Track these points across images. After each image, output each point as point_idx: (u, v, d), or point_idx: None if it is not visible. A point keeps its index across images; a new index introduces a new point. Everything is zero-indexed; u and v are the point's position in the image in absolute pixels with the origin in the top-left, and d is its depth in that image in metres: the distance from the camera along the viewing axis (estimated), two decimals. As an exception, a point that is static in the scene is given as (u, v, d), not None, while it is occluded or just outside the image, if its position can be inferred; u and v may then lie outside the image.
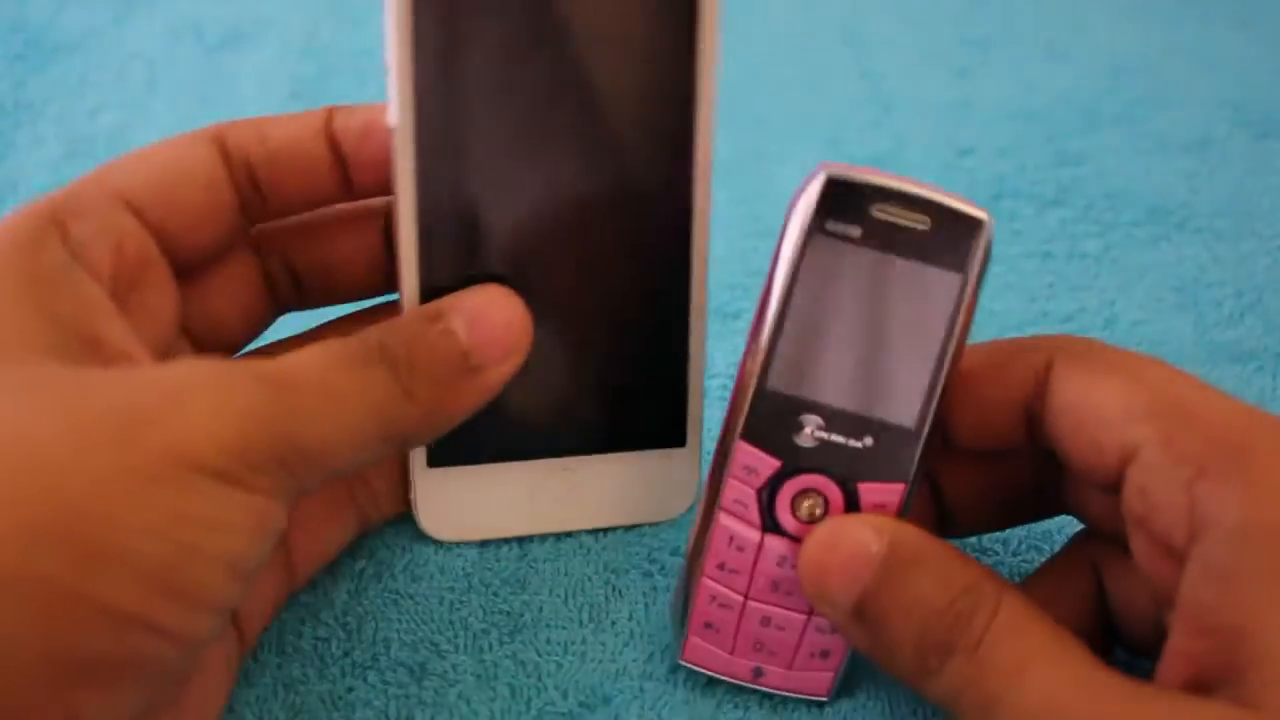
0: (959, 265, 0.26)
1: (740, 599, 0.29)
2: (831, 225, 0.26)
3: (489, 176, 0.29)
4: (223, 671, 0.28)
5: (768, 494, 0.28)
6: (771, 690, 0.30)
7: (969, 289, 0.26)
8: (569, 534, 0.34)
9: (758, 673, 0.30)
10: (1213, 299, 0.44)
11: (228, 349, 0.32)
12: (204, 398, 0.23)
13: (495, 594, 0.33)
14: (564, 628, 0.32)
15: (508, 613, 0.32)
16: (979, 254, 0.26)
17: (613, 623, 0.32)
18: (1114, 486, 0.25)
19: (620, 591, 0.33)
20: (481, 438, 0.32)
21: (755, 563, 0.28)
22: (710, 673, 0.30)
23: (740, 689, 0.31)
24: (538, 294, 0.29)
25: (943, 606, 0.25)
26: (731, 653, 0.30)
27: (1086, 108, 0.54)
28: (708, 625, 0.30)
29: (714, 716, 0.30)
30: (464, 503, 0.33)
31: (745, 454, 0.27)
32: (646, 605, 0.33)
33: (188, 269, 0.30)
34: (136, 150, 0.29)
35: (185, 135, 0.30)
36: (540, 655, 0.31)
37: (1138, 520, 0.25)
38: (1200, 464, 0.23)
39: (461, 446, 0.32)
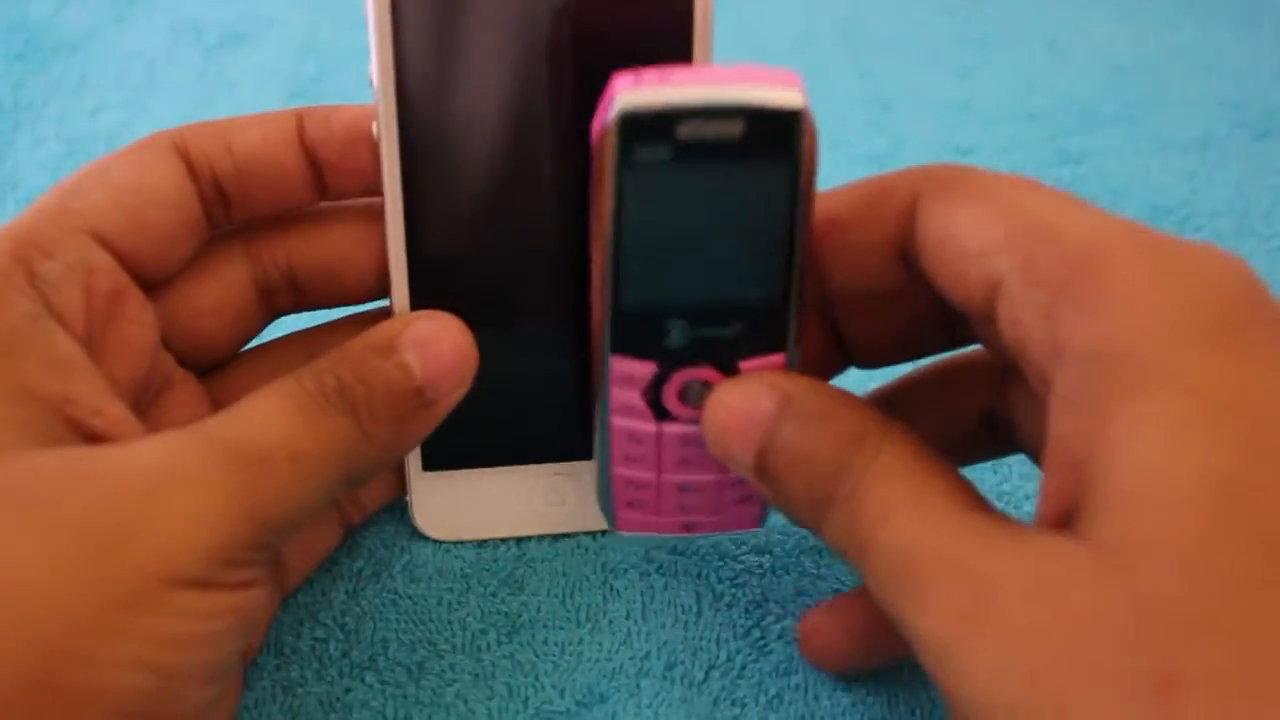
0: (785, 156, 0.25)
1: (654, 477, 0.30)
2: (641, 155, 0.24)
3: (477, 183, 0.29)
4: (229, 696, 0.28)
5: (653, 393, 0.28)
6: (706, 533, 0.31)
7: (801, 174, 0.25)
8: (566, 534, 0.34)
9: (689, 526, 0.31)
10: (1212, 299, 0.44)
11: (215, 357, 0.31)
12: (180, 501, 0.23)
13: (493, 594, 0.33)
14: (561, 628, 0.32)
15: (505, 613, 0.32)
16: (804, 140, 0.25)
17: (610, 622, 0.32)
18: (991, 320, 0.24)
19: (618, 592, 0.33)
20: (477, 443, 0.32)
21: (659, 449, 0.29)
22: (648, 534, 0.31)
23: (736, 688, 0.31)
24: (530, 300, 0.29)
25: (827, 458, 0.25)
26: (659, 514, 0.30)
27: (1086, 108, 0.54)
28: (631, 503, 0.30)
29: (710, 714, 0.30)
30: (459, 505, 0.33)
31: (621, 365, 0.28)
32: (644, 605, 0.33)
33: (163, 282, 0.29)
34: (94, 169, 0.28)
35: (144, 147, 0.29)
36: (538, 655, 0.31)
37: (1016, 353, 0.24)
38: (1057, 286, 0.22)
39: (457, 451, 0.32)
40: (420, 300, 0.29)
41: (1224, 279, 0.22)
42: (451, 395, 0.28)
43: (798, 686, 0.31)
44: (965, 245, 0.24)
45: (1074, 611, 0.20)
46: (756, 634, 0.32)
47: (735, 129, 0.24)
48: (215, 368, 0.32)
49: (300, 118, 0.29)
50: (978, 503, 0.24)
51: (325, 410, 0.26)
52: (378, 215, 0.31)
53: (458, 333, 0.28)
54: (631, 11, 0.27)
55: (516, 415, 0.32)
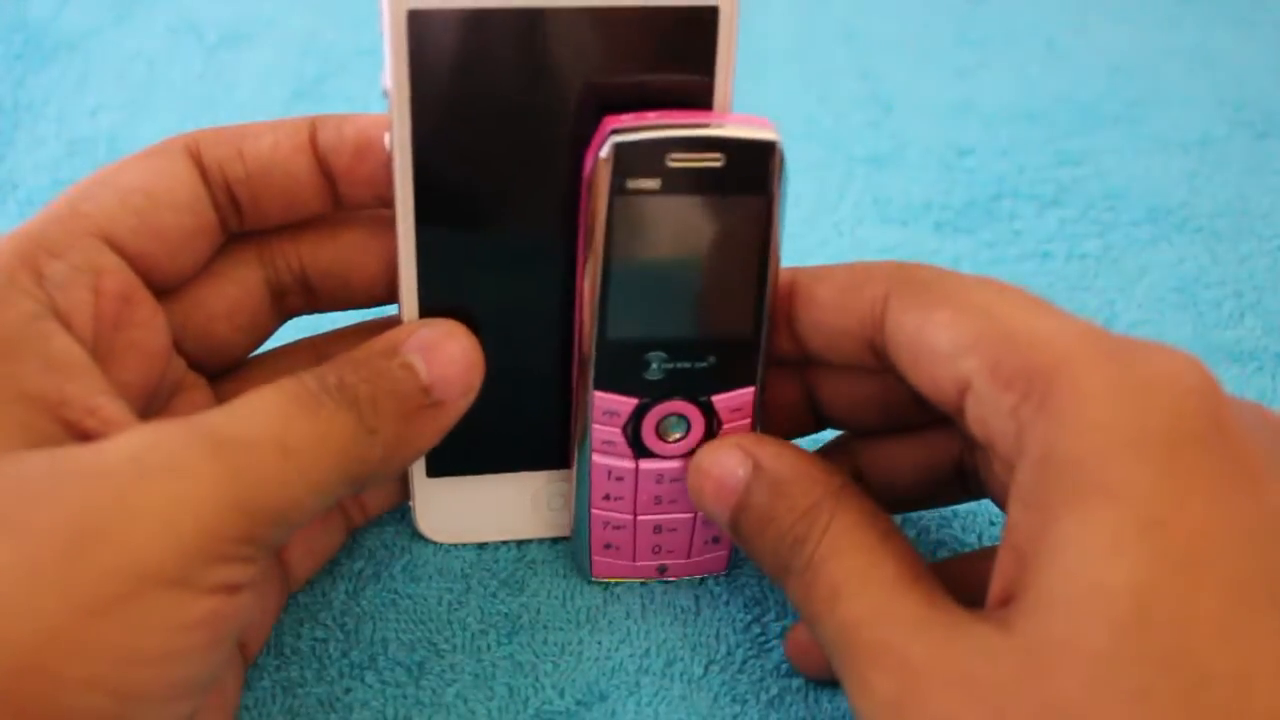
0: (759, 187, 0.27)
1: (630, 518, 0.31)
2: (632, 184, 0.26)
3: (488, 198, 0.28)
4: (229, 695, 0.28)
5: (632, 428, 0.29)
6: (677, 577, 0.33)
7: (774, 206, 0.27)
8: (566, 538, 0.34)
9: (662, 569, 0.33)
10: (1212, 299, 0.44)
11: (227, 361, 0.31)
12: (159, 491, 0.22)
13: (493, 595, 0.33)
14: (561, 629, 0.32)
15: (506, 613, 0.32)
16: (775, 173, 0.27)
17: (609, 622, 0.32)
18: (961, 415, 0.25)
19: (617, 594, 0.33)
20: (479, 450, 0.32)
21: (636, 487, 0.30)
22: (621, 579, 0.33)
23: (737, 684, 0.31)
24: (534, 313, 0.29)
25: (786, 529, 0.27)
26: (634, 560, 0.32)
27: (1086, 108, 0.54)
28: (607, 546, 0.32)
29: (710, 712, 0.30)
30: (461, 510, 0.33)
31: (603, 401, 0.29)
32: (644, 606, 0.33)
33: (175, 287, 0.29)
34: (108, 172, 0.28)
35: (157, 151, 0.28)
36: (538, 656, 0.31)
37: (985, 446, 0.25)
38: (1021, 391, 0.23)
39: (460, 458, 0.32)
40: (428, 310, 0.29)
41: (1177, 391, 0.23)
42: (459, 401, 0.28)
43: (799, 689, 0.31)
44: (935, 347, 0.25)
45: (987, 708, 0.22)
46: (756, 630, 0.32)
47: (718, 158, 0.26)
48: (227, 371, 0.31)
49: (313, 125, 0.29)
50: (921, 576, 0.25)
51: (322, 404, 0.25)
52: (390, 219, 0.31)
53: (464, 337, 0.28)
54: (650, 45, 0.27)
55: (518, 423, 0.32)
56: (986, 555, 0.31)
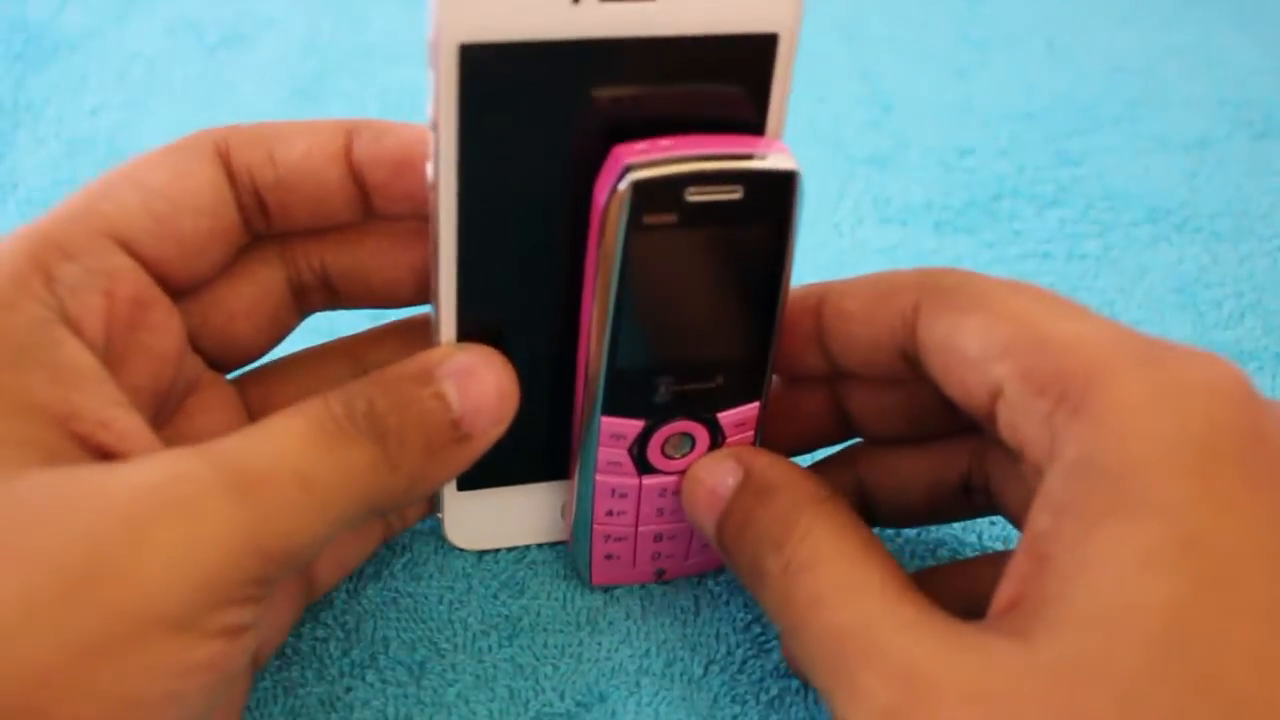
0: (776, 216, 0.26)
1: (631, 530, 0.31)
2: (649, 220, 0.26)
3: (533, 228, 0.28)
4: (236, 703, 0.28)
5: (638, 448, 0.29)
6: (674, 577, 0.33)
7: (790, 233, 0.27)
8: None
9: (660, 573, 0.33)
10: (1212, 299, 0.44)
11: (246, 358, 0.31)
12: (170, 530, 0.22)
13: (494, 596, 0.33)
14: (562, 630, 0.32)
15: (506, 616, 0.32)
16: (793, 202, 0.26)
17: (610, 623, 0.32)
18: (992, 422, 0.25)
19: (617, 596, 0.33)
20: (510, 462, 0.31)
21: (639, 503, 0.30)
22: (620, 584, 0.33)
23: (737, 684, 0.31)
24: (571, 330, 0.29)
25: (763, 530, 0.27)
26: (634, 566, 0.32)
27: (1086, 108, 0.54)
28: (608, 557, 0.32)
29: (710, 712, 0.30)
30: (489, 519, 0.33)
31: (610, 425, 0.29)
32: (644, 607, 0.33)
33: (192, 289, 0.28)
34: (133, 168, 0.27)
35: (184, 147, 0.28)
36: (538, 658, 0.31)
37: (1015, 452, 0.24)
38: (1056, 396, 0.23)
39: (490, 472, 0.31)
40: (466, 330, 0.28)
41: (1215, 398, 0.22)
42: (489, 432, 0.27)
43: (798, 689, 0.31)
44: (967, 353, 0.25)
45: None
46: (756, 630, 0.32)
47: (737, 191, 0.25)
48: (245, 367, 0.31)
49: (349, 133, 0.28)
50: (908, 585, 0.24)
51: (349, 435, 0.24)
52: (415, 228, 0.30)
53: (500, 368, 0.27)
54: (707, 73, 0.26)
55: (546, 435, 0.31)
56: (963, 569, 0.31)
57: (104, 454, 0.24)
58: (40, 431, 0.23)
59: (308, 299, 0.31)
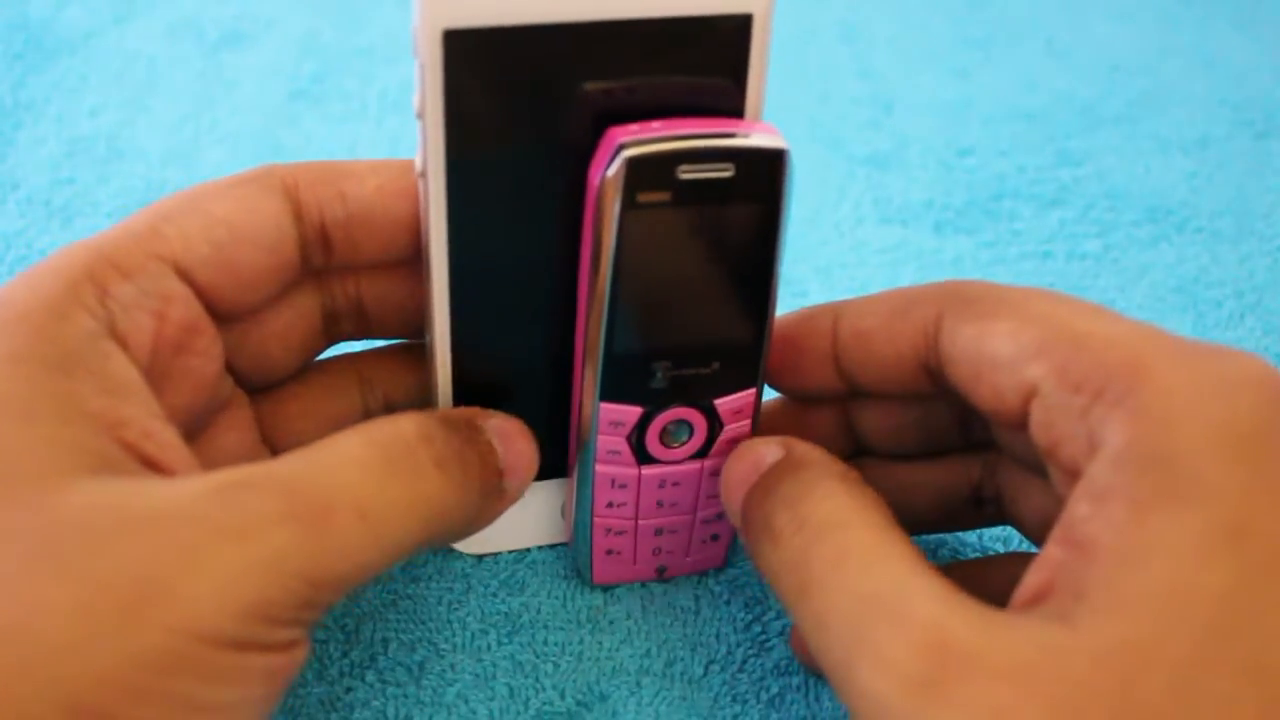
0: (768, 195, 0.27)
1: (631, 523, 0.31)
2: (643, 198, 0.26)
3: (524, 217, 0.28)
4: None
5: (636, 436, 0.29)
6: (675, 575, 0.33)
7: (781, 212, 0.27)
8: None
9: (661, 570, 0.33)
10: (1213, 299, 0.44)
11: (272, 379, 0.31)
12: (226, 553, 0.22)
13: (494, 595, 0.33)
14: (562, 629, 0.32)
15: (506, 614, 0.32)
16: (784, 180, 0.27)
17: (610, 623, 0.32)
18: (1022, 425, 0.25)
19: (617, 595, 0.33)
20: None
21: (638, 494, 0.30)
22: (621, 582, 0.33)
23: (737, 683, 0.31)
24: (570, 327, 0.29)
25: (787, 490, 0.26)
26: (635, 563, 0.32)
27: (1086, 108, 0.54)
28: (609, 552, 0.32)
29: (710, 711, 0.30)
30: (500, 521, 0.33)
31: (609, 412, 0.29)
32: (644, 606, 0.33)
33: (238, 318, 0.29)
34: (196, 194, 0.27)
35: (251, 180, 0.28)
36: (538, 656, 0.31)
37: (1048, 452, 0.24)
38: (1094, 391, 0.23)
39: None
40: (460, 329, 0.29)
41: (1259, 391, 0.22)
42: (515, 496, 0.28)
43: (799, 687, 0.31)
44: (998, 356, 0.25)
45: (1055, 706, 0.20)
46: (757, 629, 0.32)
47: (729, 168, 0.26)
48: (269, 387, 0.31)
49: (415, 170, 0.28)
50: (930, 565, 0.24)
51: (414, 467, 0.25)
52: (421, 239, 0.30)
53: (530, 438, 0.29)
54: (686, 55, 0.27)
55: (545, 434, 0.31)
56: (965, 569, 0.31)
57: (149, 464, 0.24)
58: (90, 438, 0.23)
59: (339, 326, 0.31)
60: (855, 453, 0.32)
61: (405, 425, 0.25)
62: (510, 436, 0.28)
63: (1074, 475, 0.23)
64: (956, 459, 0.31)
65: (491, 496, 0.27)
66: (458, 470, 0.26)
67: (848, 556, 0.24)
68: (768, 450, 0.28)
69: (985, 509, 0.31)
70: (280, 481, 0.23)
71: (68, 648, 0.21)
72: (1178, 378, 0.22)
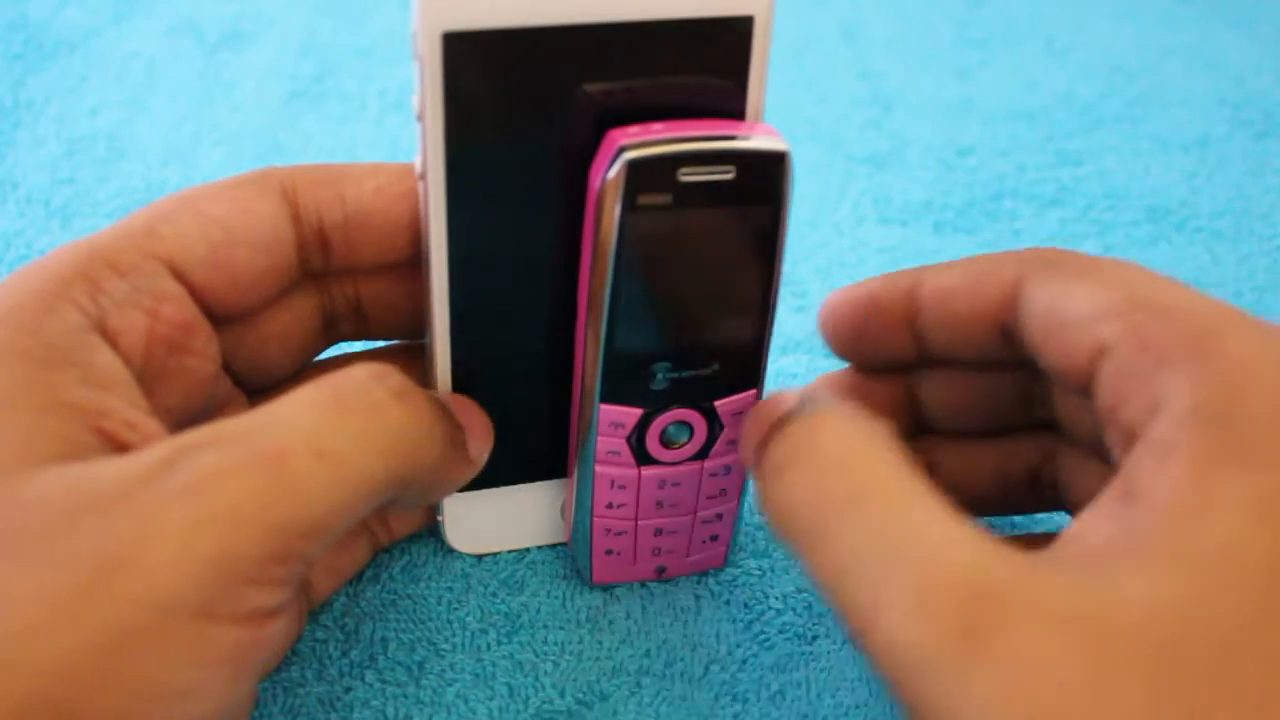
0: (769, 197, 0.27)
1: (631, 524, 0.31)
2: (643, 200, 0.26)
3: (524, 218, 0.28)
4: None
5: (636, 437, 0.29)
6: (675, 576, 0.33)
7: (782, 214, 0.27)
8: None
9: (660, 570, 0.33)
10: (1212, 299, 0.44)
11: (271, 380, 0.31)
12: (178, 513, 0.21)
13: (493, 595, 0.33)
14: (561, 628, 0.32)
15: (505, 613, 0.32)
16: (785, 182, 0.27)
17: (610, 622, 0.32)
18: (1088, 389, 0.25)
19: (617, 595, 0.33)
20: (506, 463, 0.31)
21: (638, 494, 0.30)
22: (621, 582, 0.33)
23: (737, 682, 0.31)
24: (567, 327, 0.29)
25: (804, 429, 0.25)
26: (634, 563, 0.32)
27: (1086, 108, 0.54)
28: (608, 552, 0.32)
29: (710, 711, 0.30)
30: (488, 521, 0.33)
31: (609, 413, 0.29)
32: (644, 606, 0.33)
33: (235, 319, 0.29)
34: (194, 195, 0.27)
35: (249, 181, 0.28)
36: (538, 655, 0.31)
37: (1108, 412, 0.24)
38: (1163, 353, 0.23)
39: (487, 472, 0.31)
40: (460, 328, 0.29)
41: None
42: (479, 455, 0.29)
43: (799, 684, 0.31)
44: (1076, 315, 0.25)
45: (1099, 656, 0.20)
46: (758, 628, 0.32)
47: (730, 170, 0.26)
48: (267, 389, 0.31)
49: (414, 173, 0.28)
50: (961, 514, 0.23)
51: (371, 395, 0.24)
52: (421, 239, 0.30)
53: (481, 409, 0.29)
54: (687, 57, 0.27)
55: (539, 436, 0.32)
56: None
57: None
58: (64, 427, 0.23)
59: (338, 327, 0.31)
60: (917, 431, 0.32)
61: (357, 369, 0.25)
62: (464, 405, 0.28)
63: (1131, 438, 0.23)
64: (1016, 439, 0.31)
65: (456, 447, 0.27)
66: (419, 401, 0.25)
67: (867, 492, 0.23)
68: (784, 400, 0.27)
69: (1043, 493, 0.31)
70: (230, 436, 0.23)
71: (26, 635, 0.20)
72: (1249, 348, 0.23)
